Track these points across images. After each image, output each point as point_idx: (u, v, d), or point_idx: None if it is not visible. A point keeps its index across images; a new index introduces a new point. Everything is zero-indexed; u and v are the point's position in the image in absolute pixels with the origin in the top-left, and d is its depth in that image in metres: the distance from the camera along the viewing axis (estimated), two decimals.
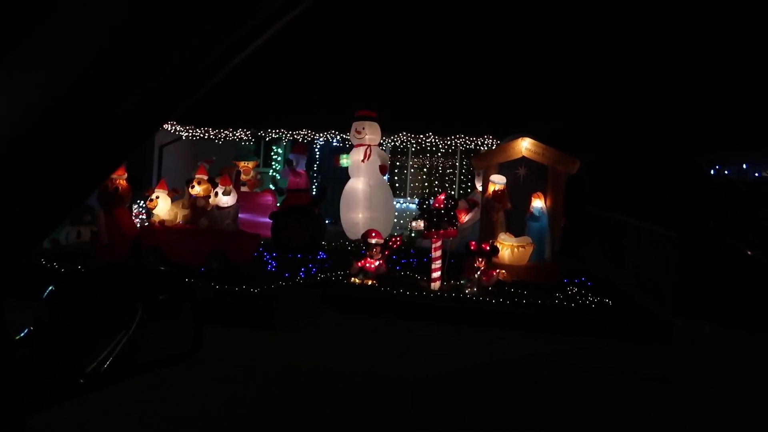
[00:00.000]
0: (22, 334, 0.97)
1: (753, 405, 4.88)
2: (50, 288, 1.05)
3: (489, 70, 12.34)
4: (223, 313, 6.48)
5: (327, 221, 10.96)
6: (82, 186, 0.78)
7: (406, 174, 14.03)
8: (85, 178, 0.77)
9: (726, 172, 14.33)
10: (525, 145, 8.38)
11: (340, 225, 11.60)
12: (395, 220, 12.16)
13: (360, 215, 11.12)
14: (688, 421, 4.51)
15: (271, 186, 12.40)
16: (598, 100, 12.86)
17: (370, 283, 7.55)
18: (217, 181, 7.70)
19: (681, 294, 6.43)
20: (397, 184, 13.98)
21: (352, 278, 7.65)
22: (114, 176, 7.41)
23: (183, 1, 0.62)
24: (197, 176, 7.73)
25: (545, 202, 8.29)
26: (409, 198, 13.91)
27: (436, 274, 7.45)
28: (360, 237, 10.98)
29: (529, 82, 12.39)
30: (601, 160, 14.31)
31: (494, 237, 8.23)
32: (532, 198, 8.24)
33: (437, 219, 7.30)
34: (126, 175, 7.56)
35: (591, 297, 7.20)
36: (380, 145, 11.62)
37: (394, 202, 12.07)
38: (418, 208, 7.48)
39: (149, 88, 0.68)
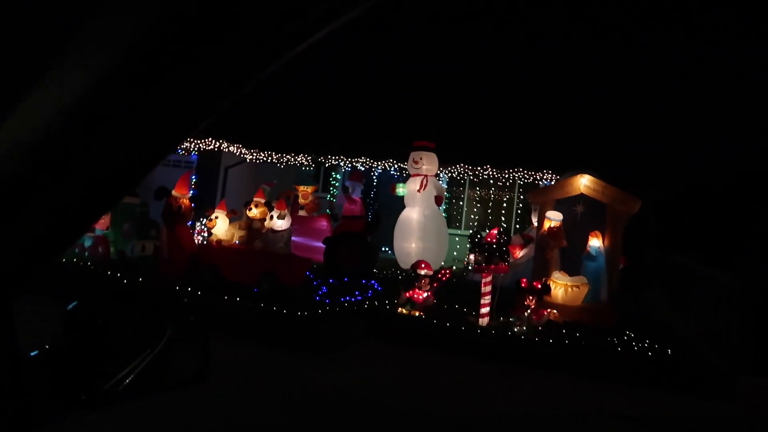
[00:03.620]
0: (36, 352, 0.99)
1: None
2: (74, 303, 1.08)
3: (550, 102, 12.15)
4: (269, 334, 6.61)
5: (381, 249, 11.01)
6: (101, 199, 0.78)
7: (462, 205, 13.93)
8: (106, 191, 0.77)
9: None
10: (584, 182, 8.14)
11: (394, 253, 11.62)
12: (449, 252, 12.07)
13: (413, 245, 11.10)
14: None
15: (327, 211, 12.62)
16: (669, 136, 12.31)
17: (417, 314, 7.48)
18: (273, 204, 7.93)
19: (748, 348, 5.97)
20: (454, 214, 13.90)
21: (400, 308, 7.61)
22: (178, 195, 7.80)
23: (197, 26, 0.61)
24: (255, 199, 8.00)
25: (603, 242, 7.99)
26: (463, 229, 13.79)
27: (484, 310, 7.29)
28: (408, 266, 10.96)
29: (593, 116, 12.07)
30: (669, 199, 13.67)
31: (548, 275, 7.98)
32: (590, 237, 7.96)
33: (488, 253, 7.18)
34: (189, 194, 7.93)
35: (650, 344, 6.81)
36: (437, 175, 11.63)
37: (448, 233, 11.99)
38: (470, 242, 7.39)
39: (169, 104, 0.68)
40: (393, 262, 11.45)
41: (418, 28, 11.71)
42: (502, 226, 12.76)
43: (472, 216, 13.89)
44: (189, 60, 0.64)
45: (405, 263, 11.19)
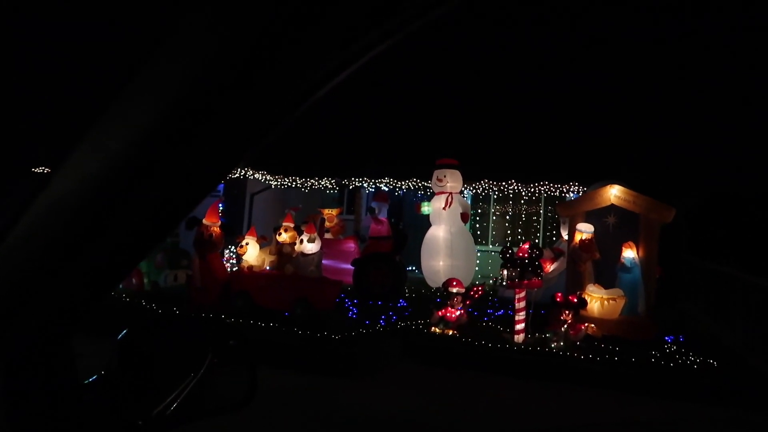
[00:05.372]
0: (92, 379, 1.02)
1: None
2: (124, 331, 1.10)
3: (573, 113, 12.07)
4: (304, 360, 6.58)
5: (408, 269, 10.96)
6: (158, 230, 0.81)
7: (488, 222, 13.83)
8: (162, 221, 0.80)
9: None
10: (614, 193, 8.02)
11: (421, 272, 11.57)
12: (477, 268, 11.98)
13: (441, 263, 11.06)
14: None
15: (354, 233, 12.64)
16: (696, 141, 12.08)
17: (450, 333, 7.40)
18: (303, 228, 7.97)
19: None
20: (479, 232, 13.80)
21: (433, 328, 7.53)
22: (209, 223, 7.90)
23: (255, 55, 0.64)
24: (284, 224, 8.06)
25: (638, 253, 7.83)
26: (491, 246, 13.68)
27: (519, 326, 7.17)
28: (441, 285, 10.89)
29: (618, 124, 11.93)
30: (698, 206, 13.37)
31: (582, 288, 7.83)
32: (623, 248, 7.81)
33: (521, 269, 7.09)
34: (219, 222, 8.02)
35: (693, 357, 6.60)
36: (461, 192, 11.59)
37: (476, 250, 11.91)
38: (501, 257, 7.31)
39: (223, 133, 0.71)
40: (421, 281, 11.39)
41: (437, 45, 11.79)
42: (532, 241, 12.62)
43: (500, 231, 13.77)
44: (229, 106, 0.68)
45: (433, 282, 11.13)
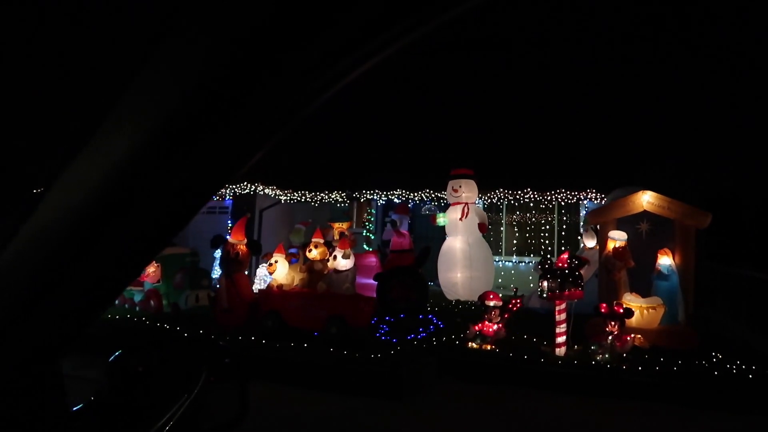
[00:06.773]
0: (80, 406, 0.98)
1: None
2: (117, 353, 1.08)
3: (588, 120, 12.02)
4: (346, 382, 6.33)
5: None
6: (154, 243, 0.79)
7: (502, 231, 13.67)
8: (156, 234, 0.78)
9: None
10: (647, 199, 7.91)
11: (437, 285, 11.35)
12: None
13: (459, 275, 10.88)
14: None
15: (365, 246, 12.39)
16: (707, 144, 12.09)
17: (489, 348, 7.20)
18: (335, 244, 7.72)
19: None
20: (491, 240, 13.64)
21: (470, 343, 7.32)
22: (235, 241, 7.62)
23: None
24: (314, 240, 7.80)
25: (674, 259, 7.71)
26: (505, 256, 13.52)
27: (560, 339, 6.99)
28: (455, 296, 10.72)
29: (632, 131, 11.91)
30: (715, 208, 13.35)
31: (617, 297, 7.69)
32: (659, 255, 7.69)
33: (561, 280, 6.91)
34: (245, 240, 7.74)
35: (744, 366, 6.45)
36: (475, 202, 11.45)
37: (494, 261, 11.75)
38: (540, 269, 7.14)
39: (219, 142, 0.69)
40: (438, 294, 11.15)
41: (448, 55, 11.71)
42: (546, 250, 12.51)
43: (512, 242, 13.60)
44: (227, 114, 0.67)
45: (451, 294, 10.95)
